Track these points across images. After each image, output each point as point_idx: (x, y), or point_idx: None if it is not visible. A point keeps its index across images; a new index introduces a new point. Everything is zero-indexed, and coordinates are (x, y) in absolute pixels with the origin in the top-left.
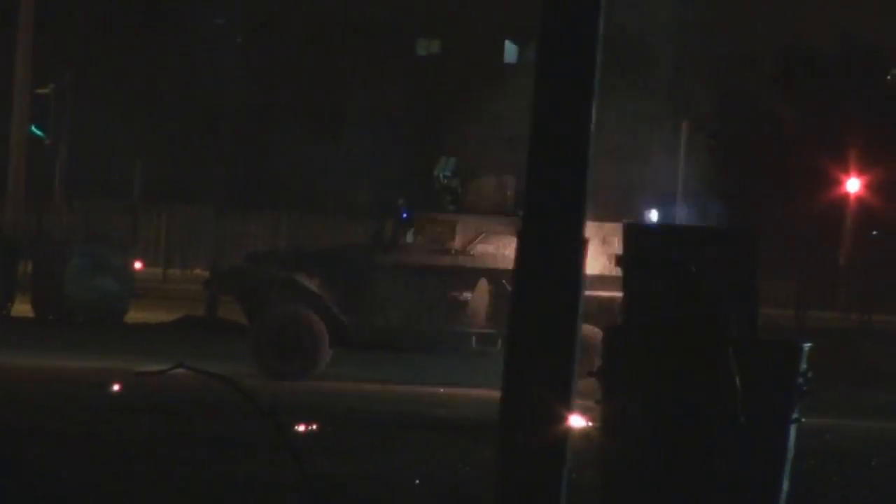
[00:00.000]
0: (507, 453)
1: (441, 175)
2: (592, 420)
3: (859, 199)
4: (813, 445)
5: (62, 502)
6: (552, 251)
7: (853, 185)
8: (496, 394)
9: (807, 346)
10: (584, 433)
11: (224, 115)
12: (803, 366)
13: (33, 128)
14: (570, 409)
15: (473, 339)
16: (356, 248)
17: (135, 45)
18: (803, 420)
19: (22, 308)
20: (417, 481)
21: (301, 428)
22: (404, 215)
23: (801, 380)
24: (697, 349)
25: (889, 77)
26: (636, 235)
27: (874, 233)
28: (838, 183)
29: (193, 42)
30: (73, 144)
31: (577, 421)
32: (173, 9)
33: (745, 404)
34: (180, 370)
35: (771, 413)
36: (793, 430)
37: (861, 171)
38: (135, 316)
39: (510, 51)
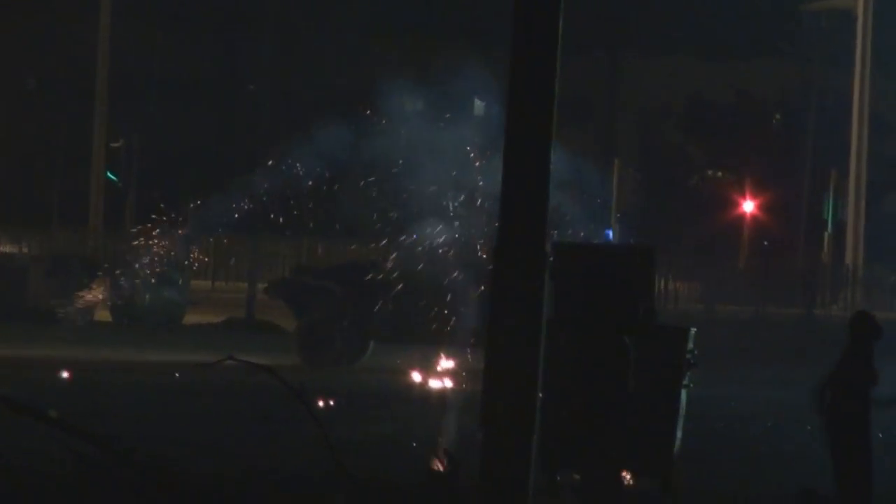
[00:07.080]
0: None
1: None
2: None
3: (754, 217)
4: (720, 411)
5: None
6: (521, 275)
7: (749, 206)
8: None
9: (693, 330)
10: None
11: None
12: (690, 345)
13: (108, 174)
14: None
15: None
16: (370, 263)
17: (202, 105)
18: (692, 386)
19: (102, 314)
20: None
21: (321, 403)
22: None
23: (689, 356)
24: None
25: (774, 121)
26: (562, 253)
27: (765, 243)
28: (737, 205)
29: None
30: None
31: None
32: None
33: (648, 374)
34: (230, 362)
35: (667, 381)
36: (684, 393)
37: (754, 195)
38: (190, 318)
39: (477, 107)
